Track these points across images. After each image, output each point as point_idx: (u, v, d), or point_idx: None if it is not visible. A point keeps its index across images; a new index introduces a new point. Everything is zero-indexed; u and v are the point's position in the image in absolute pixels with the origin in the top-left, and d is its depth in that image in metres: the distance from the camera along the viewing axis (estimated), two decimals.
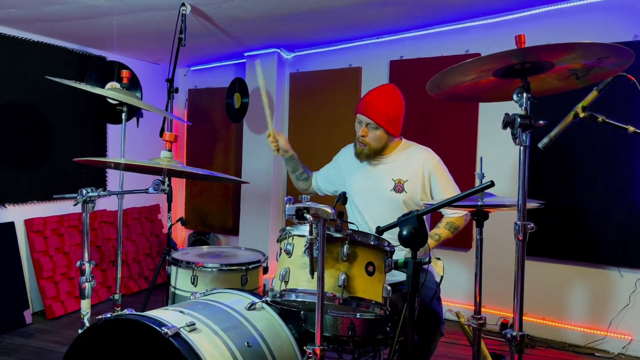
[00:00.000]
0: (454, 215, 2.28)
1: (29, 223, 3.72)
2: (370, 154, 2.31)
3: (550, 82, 1.57)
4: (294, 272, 1.57)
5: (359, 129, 2.31)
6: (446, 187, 2.28)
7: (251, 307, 1.78)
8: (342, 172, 2.51)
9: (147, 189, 1.78)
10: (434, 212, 1.70)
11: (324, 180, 2.59)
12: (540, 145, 1.60)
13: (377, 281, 1.60)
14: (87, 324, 1.80)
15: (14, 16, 3.35)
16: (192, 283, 2.28)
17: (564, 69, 1.46)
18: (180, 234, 5.41)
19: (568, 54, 1.36)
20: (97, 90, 2.29)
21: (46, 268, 3.72)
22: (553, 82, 1.57)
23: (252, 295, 1.88)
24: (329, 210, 1.39)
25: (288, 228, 1.64)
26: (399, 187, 2.28)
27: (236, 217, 4.83)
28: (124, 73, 2.70)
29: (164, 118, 3.45)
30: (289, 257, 1.60)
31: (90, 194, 1.79)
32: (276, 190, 4.61)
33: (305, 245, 1.49)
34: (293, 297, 1.56)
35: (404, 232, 1.50)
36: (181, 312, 1.64)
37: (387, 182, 2.30)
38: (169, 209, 3.15)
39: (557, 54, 1.37)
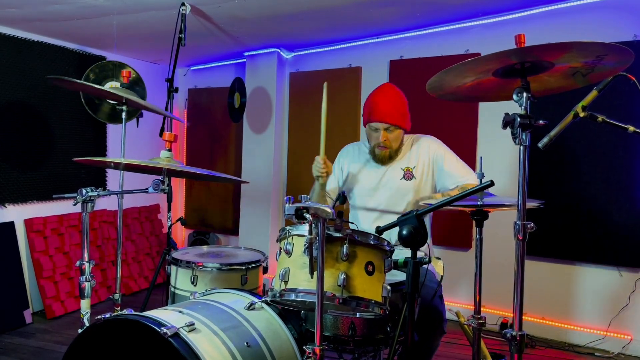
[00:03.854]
0: (468, 182, 2.23)
1: (28, 223, 3.72)
2: (393, 154, 2.37)
3: (554, 81, 1.57)
4: (294, 272, 1.57)
5: (375, 136, 2.32)
6: (453, 163, 2.31)
7: (251, 307, 1.78)
8: (348, 176, 2.50)
9: (147, 189, 1.78)
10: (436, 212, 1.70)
11: (335, 189, 2.53)
12: (540, 144, 1.60)
13: (377, 281, 1.59)
14: (87, 324, 1.80)
15: (14, 16, 3.35)
16: (192, 283, 2.28)
17: (565, 68, 1.46)
18: (180, 234, 5.41)
19: (566, 53, 1.36)
20: (102, 87, 2.28)
21: (46, 268, 3.71)
22: (558, 80, 1.57)
23: (251, 295, 1.88)
24: (328, 209, 1.39)
25: (288, 228, 1.64)
26: (408, 175, 2.34)
27: (236, 217, 4.83)
28: (125, 73, 2.69)
29: (164, 118, 3.45)
30: (289, 257, 1.60)
31: (90, 194, 1.79)
32: (276, 190, 4.61)
33: (305, 244, 1.49)
34: (293, 296, 1.56)
35: (404, 232, 1.50)
36: (181, 312, 1.64)
37: (398, 173, 2.36)
38: (169, 209, 3.15)
39: (556, 53, 1.37)
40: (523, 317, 1.42)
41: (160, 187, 1.77)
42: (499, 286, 3.27)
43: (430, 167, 2.35)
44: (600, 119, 1.63)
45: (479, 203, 1.83)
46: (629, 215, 3.22)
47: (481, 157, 1.97)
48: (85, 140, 4.24)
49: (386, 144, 2.32)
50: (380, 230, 1.64)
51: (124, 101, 2.62)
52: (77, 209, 1.84)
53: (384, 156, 2.36)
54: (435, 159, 2.34)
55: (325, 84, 2.17)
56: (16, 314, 3.52)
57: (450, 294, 3.70)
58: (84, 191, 1.78)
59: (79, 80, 2.23)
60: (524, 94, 1.43)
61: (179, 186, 5.36)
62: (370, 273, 1.58)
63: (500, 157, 3.61)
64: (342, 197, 2.09)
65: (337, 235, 1.54)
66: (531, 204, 1.77)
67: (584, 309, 3.44)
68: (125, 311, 1.65)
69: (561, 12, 3.40)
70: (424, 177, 2.35)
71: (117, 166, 2.43)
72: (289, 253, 1.60)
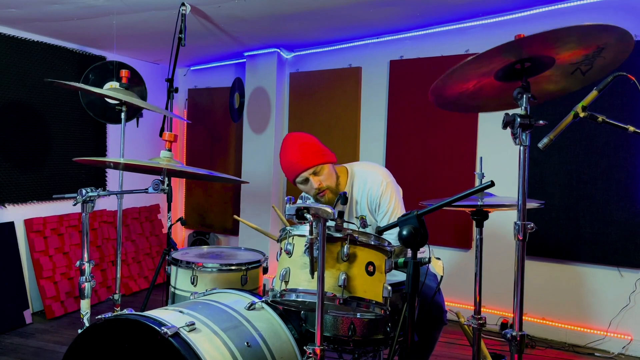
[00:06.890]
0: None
1: (28, 223, 3.72)
2: (334, 193, 2.21)
3: (554, 81, 1.57)
4: (294, 272, 1.57)
5: (307, 188, 2.19)
6: (388, 212, 2.23)
7: (251, 307, 1.78)
8: None
9: (147, 189, 1.78)
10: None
11: None
12: (540, 145, 1.59)
13: (378, 281, 1.59)
14: (87, 324, 1.80)
15: (14, 16, 3.35)
16: (192, 283, 2.28)
17: (566, 64, 1.46)
18: (180, 234, 5.41)
19: (566, 44, 1.35)
20: (100, 91, 2.29)
21: (46, 268, 3.71)
22: (559, 80, 1.57)
23: (252, 295, 1.88)
24: (329, 210, 1.39)
25: (288, 228, 1.64)
26: (363, 223, 2.17)
27: None
28: (123, 73, 2.69)
29: (164, 118, 3.45)
30: (289, 257, 1.60)
31: (90, 194, 1.79)
32: (276, 190, 4.61)
33: (306, 245, 1.49)
34: (293, 297, 1.56)
35: (404, 232, 1.50)
36: (181, 312, 1.64)
37: (354, 222, 2.20)
38: (169, 209, 3.15)
39: (556, 45, 1.36)
40: (523, 317, 1.42)
41: (160, 187, 1.77)
42: (499, 286, 3.27)
43: (369, 209, 2.25)
44: (600, 119, 1.63)
45: (479, 203, 1.83)
46: (629, 215, 3.22)
47: (481, 157, 1.97)
48: (85, 140, 4.24)
49: (322, 187, 2.16)
50: (380, 230, 1.64)
51: (123, 102, 2.62)
52: (77, 209, 1.84)
53: (328, 201, 2.21)
54: (378, 201, 2.23)
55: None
56: (16, 314, 3.52)
57: (450, 294, 3.70)
58: (84, 191, 1.78)
59: (77, 84, 2.22)
60: (524, 94, 1.43)
61: (179, 186, 5.36)
62: (370, 273, 1.58)
63: (500, 157, 3.61)
64: (344, 198, 2.09)
65: (338, 235, 1.54)
66: (531, 204, 1.78)
67: (584, 309, 3.44)
68: (125, 311, 1.65)
69: (561, 12, 3.40)
70: (373, 220, 2.26)
71: (116, 166, 2.43)
72: (289, 253, 1.60)
